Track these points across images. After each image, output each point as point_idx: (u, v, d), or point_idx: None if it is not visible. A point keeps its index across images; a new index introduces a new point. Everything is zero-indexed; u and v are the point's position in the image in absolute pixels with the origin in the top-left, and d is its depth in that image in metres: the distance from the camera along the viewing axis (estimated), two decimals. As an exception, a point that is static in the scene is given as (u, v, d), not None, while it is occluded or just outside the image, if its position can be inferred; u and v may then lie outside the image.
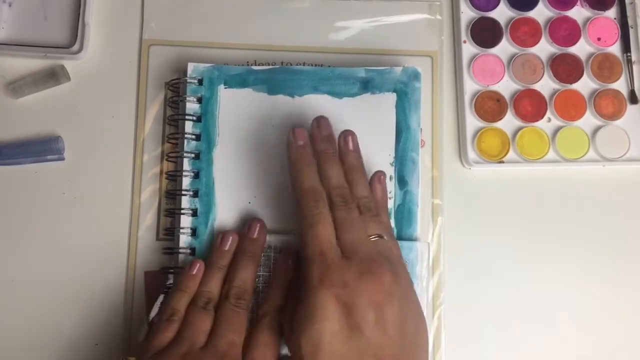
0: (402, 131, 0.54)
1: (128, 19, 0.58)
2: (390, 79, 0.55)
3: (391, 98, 0.55)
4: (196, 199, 0.53)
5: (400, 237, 0.53)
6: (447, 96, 0.59)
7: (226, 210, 0.53)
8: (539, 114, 0.58)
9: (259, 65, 0.57)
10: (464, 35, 0.59)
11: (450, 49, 0.60)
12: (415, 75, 0.55)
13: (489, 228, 0.57)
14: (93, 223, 0.55)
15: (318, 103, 0.55)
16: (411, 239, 0.53)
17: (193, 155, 0.54)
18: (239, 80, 0.55)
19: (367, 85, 0.55)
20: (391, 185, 0.54)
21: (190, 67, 0.55)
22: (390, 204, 0.53)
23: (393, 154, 0.54)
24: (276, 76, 0.55)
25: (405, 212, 0.53)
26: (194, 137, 0.54)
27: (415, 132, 0.54)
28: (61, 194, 0.56)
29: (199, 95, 0.54)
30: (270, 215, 0.53)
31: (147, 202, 0.56)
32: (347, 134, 0.50)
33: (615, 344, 0.56)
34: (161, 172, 0.56)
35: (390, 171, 0.54)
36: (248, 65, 0.57)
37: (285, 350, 0.47)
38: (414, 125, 0.54)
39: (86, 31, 0.57)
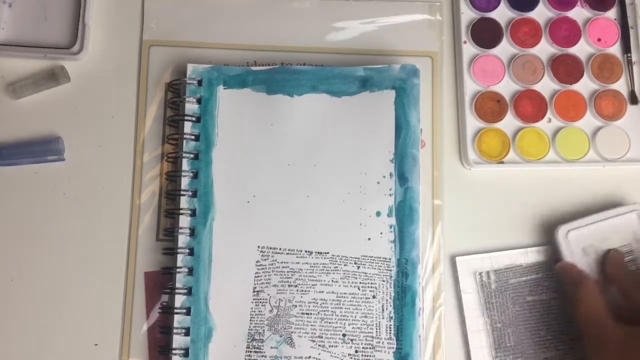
0: (402, 128, 0.54)
1: (128, 19, 0.59)
2: (389, 77, 0.55)
3: (390, 95, 0.55)
4: (195, 199, 0.53)
5: (401, 236, 0.53)
6: (448, 97, 0.59)
7: (225, 210, 0.53)
8: (539, 115, 0.58)
9: (258, 65, 0.57)
10: (464, 35, 0.59)
11: (451, 50, 0.59)
12: (414, 72, 0.55)
13: (489, 229, 0.56)
14: (93, 223, 0.55)
15: (317, 102, 0.55)
16: (413, 236, 0.53)
17: (192, 155, 0.54)
18: (238, 81, 0.55)
19: (365, 84, 0.55)
20: (391, 183, 0.54)
21: (190, 68, 0.55)
22: (391, 201, 0.53)
23: (393, 151, 0.54)
24: (275, 76, 0.55)
25: (406, 210, 0.53)
26: (193, 137, 0.54)
27: (415, 129, 0.54)
28: (61, 194, 0.56)
29: (199, 96, 0.55)
30: (269, 214, 0.53)
31: (147, 203, 0.56)
32: None
33: None
34: (161, 173, 0.56)
35: (390, 168, 0.54)
36: (248, 66, 0.57)
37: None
38: (413, 122, 0.54)
39: (86, 32, 0.57)
